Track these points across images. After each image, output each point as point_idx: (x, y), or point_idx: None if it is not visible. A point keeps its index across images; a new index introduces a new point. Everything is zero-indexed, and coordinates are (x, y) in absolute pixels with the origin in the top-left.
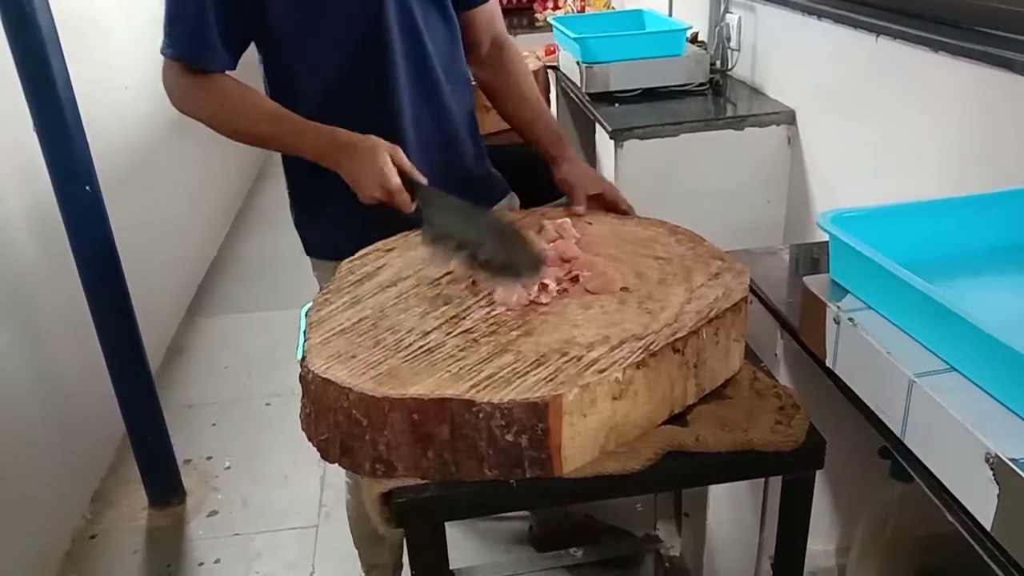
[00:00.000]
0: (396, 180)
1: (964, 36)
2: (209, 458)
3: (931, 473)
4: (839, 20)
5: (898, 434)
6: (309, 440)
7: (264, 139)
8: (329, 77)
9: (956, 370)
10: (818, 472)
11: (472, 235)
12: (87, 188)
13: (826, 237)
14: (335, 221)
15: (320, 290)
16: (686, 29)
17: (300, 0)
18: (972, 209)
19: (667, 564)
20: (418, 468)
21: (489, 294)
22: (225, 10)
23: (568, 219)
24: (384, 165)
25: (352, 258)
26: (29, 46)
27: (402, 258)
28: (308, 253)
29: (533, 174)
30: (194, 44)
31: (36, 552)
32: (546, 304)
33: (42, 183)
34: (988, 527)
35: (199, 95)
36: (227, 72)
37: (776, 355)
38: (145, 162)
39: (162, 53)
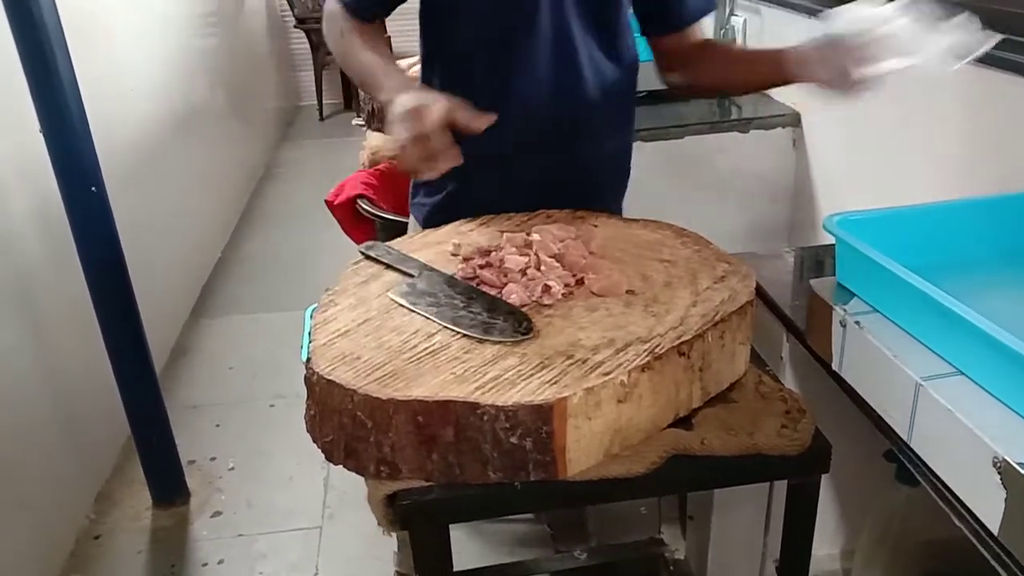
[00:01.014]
0: (432, 120)
1: None
2: (213, 459)
3: (938, 477)
4: None
5: (905, 438)
6: (314, 441)
7: (358, 72)
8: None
9: (963, 374)
10: (823, 475)
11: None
12: (93, 189)
13: (831, 240)
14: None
15: (326, 291)
16: None
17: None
18: (980, 212)
19: (671, 567)
20: (422, 470)
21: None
22: None
23: (550, 228)
24: (436, 103)
25: (357, 260)
26: (35, 45)
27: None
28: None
29: None
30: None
31: (40, 552)
32: (551, 306)
33: (48, 183)
34: (995, 531)
35: (339, 36)
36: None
37: (782, 358)
38: (150, 163)
39: None
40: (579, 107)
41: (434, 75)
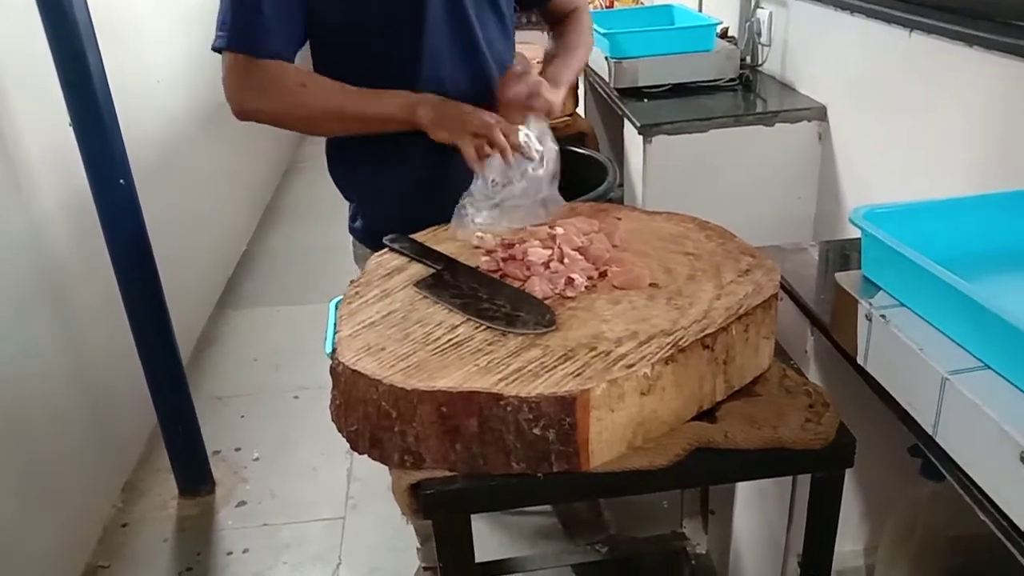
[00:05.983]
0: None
1: (1000, 30)
2: (238, 449)
3: (964, 472)
4: (872, 15)
5: (930, 432)
6: (339, 431)
7: (339, 112)
8: (368, 71)
9: (990, 368)
10: (847, 470)
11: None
12: (121, 182)
13: (856, 234)
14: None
15: (351, 283)
16: (716, 24)
17: None
18: (1007, 205)
19: (693, 562)
20: (446, 460)
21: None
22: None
23: (573, 221)
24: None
25: (382, 252)
26: (66, 41)
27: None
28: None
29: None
30: (250, 31)
31: (70, 539)
32: (574, 299)
33: (78, 176)
34: (1023, 527)
35: (264, 86)
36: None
37: (806, 352)
38: (177, 156)
39: (216, 49)
40: (487, 91)
41: None
